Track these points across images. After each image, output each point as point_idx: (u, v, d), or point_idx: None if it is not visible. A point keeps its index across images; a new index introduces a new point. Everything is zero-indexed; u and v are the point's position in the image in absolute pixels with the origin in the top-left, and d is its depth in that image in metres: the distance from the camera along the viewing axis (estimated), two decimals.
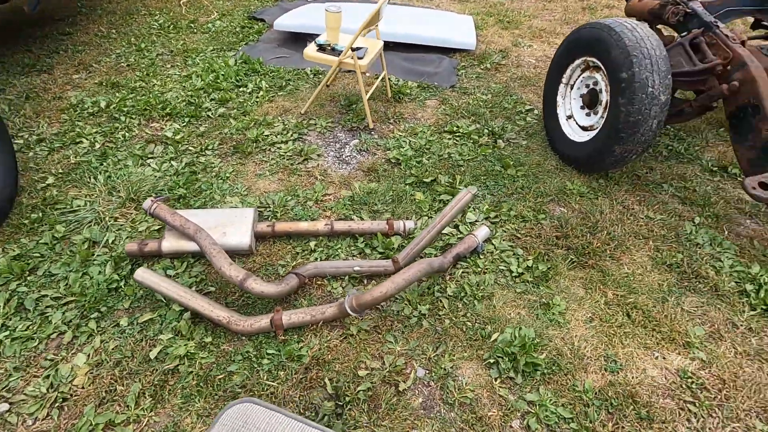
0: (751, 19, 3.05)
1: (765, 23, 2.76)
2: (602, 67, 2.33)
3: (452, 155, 2.71)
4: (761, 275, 1.93)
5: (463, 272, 1.98)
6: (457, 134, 2.91)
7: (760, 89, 2.07)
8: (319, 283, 1.90)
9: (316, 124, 2.92)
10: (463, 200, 1.90)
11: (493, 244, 2.12)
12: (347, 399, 1.47)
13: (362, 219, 2.22)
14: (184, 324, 1.66)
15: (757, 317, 1.78)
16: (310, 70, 3.55)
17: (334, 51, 2.77)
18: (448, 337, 1.70)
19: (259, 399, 0.93)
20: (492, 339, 1.68)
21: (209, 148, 2.65)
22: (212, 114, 2.96)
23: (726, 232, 2.19)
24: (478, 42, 4.21)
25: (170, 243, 1.90)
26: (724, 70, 2.22)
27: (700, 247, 2.09)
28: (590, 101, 2.52)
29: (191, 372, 1.53)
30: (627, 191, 2.46)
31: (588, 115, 2.59)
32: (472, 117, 3.11)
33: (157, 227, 2.09)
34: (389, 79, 3.51)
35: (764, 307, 1.80)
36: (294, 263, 1.98)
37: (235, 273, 1.71)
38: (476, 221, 2.24)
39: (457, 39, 3.94)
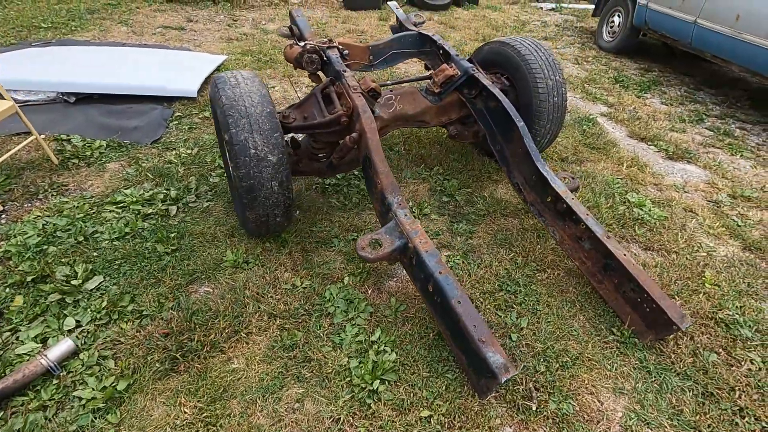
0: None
1: (427, 65, 2.84)
2: None
3: (98, 235, 2.25)
4: (379, 341, 1.79)
5: (12, 412, 1.51)
6: (122, 205, 2.47)
7: (369, 141, 1.99)
8: None
9: None
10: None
11: (81, 359, 1.68)
12: None
13: None
14: None
15: (350, 402, 1.60)
16: None
17: None
18: None
19: None
20: None
21: None
22: None
23: (369, 291, 2.06)
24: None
25: None
26: (349, 121, 2.13)
27: (329, 318, 1.91)
28: None
29: None
30: (290, 254, 2.24)
31: None
32: (158, 179, 2.71)
33: None
34: (68, 139, 2.96)
35: (362, 386, 1.63)
36: None
37: None
38: (74, 329, 1.79)
39: (174, 86, 3.55)
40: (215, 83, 2.00)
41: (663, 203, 2.84)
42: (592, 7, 8.93)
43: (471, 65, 2.48)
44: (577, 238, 2.18)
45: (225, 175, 2.74)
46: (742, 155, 3.66)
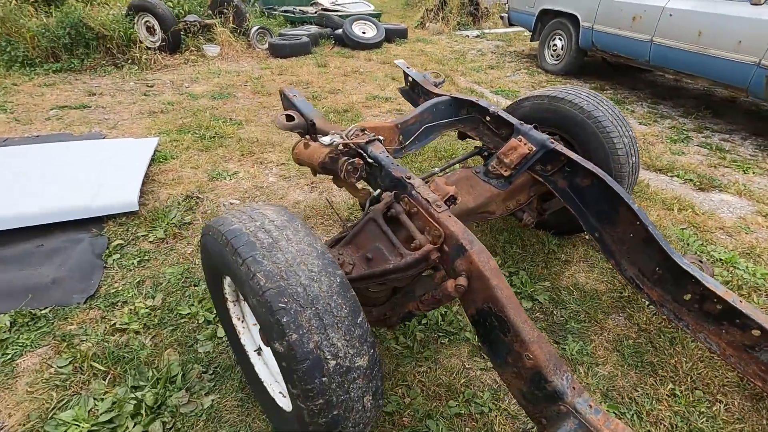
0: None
1: (469, 135, 2.22)
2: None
3: None
4: None
5: None
6: None
7: (497, 291, 1.26)
8: None
9: None
10: None
11: None
12: None
13: None
14: None
15: None
16: None
17: None
18: None
19: None
20: None
21: None
22: None
23: None
24: (153, 188, 2.89)
25: None
26: (443, 256, 1.40)
27: None
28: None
29: None
30: None
31: None
32: (113, 369, 1.71)
33: None
34: None
35: None
36: None
37: None
38: None
39: (104, 200, 2.52)
40: (233, 248, 1.14)
41: (749, 254, 2.47)
42: (514, 29, 9.18)
43: (546, 136, 1.90)
44: (746, 347, 1.64)
45: (225, 336, 1.83)
46: (753, 172, 3.54)
